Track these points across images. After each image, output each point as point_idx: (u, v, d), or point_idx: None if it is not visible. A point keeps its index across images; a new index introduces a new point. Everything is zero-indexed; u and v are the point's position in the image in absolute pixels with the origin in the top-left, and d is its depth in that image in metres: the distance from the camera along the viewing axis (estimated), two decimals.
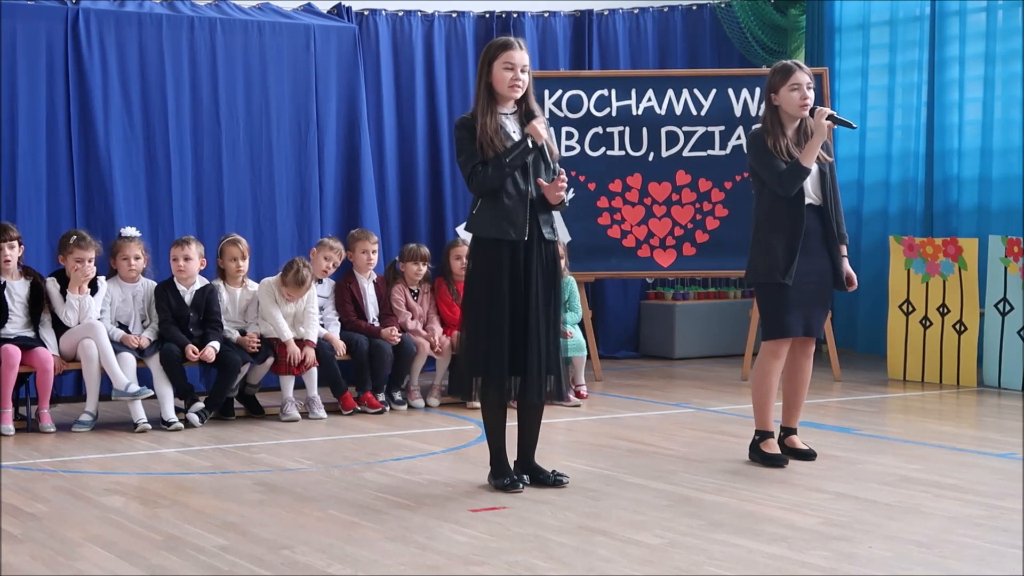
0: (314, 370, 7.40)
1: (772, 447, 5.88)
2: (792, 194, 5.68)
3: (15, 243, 7.02)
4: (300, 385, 7.44)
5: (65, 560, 4.24)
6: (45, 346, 6.96)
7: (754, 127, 5.95)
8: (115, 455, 6.26)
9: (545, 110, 8.60)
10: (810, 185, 5.73)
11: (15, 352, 6.74)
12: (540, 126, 5.16)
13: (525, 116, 5.19)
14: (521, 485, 5.25)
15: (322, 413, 7.33)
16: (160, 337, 7.18)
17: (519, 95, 5.21)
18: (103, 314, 7.11)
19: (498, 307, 5.13)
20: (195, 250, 7.31)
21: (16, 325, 6.94)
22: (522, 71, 5.17)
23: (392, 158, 9.49)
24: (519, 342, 5.15)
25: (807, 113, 5.76)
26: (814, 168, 5.71)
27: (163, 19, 8.29)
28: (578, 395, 7.98)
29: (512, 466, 5.36)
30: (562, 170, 5.21)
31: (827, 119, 5.68)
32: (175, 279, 7.27)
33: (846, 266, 5.87)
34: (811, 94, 5.76)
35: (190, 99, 8.37)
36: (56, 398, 7.80)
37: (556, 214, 5.40)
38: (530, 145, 5.13)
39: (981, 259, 8.34)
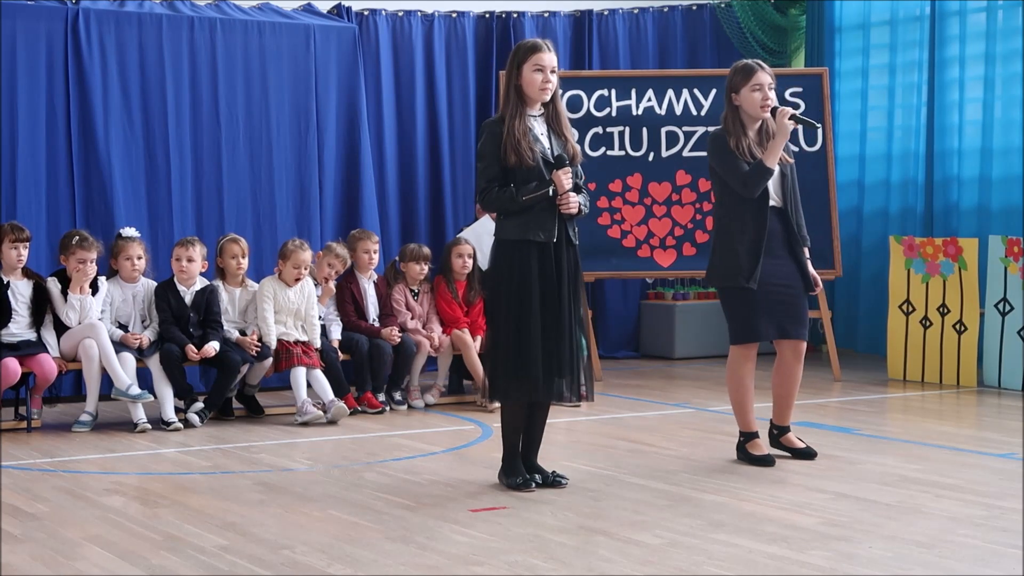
0: (322, 376, 7.36)
1: (758, 448, 5.87)
2: (755, 195, 5.66)
3: (28, 244, 7.04)
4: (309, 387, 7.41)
5: (65, 560, 4.23)
6: (47, 350, 6.95)
7: (714, 128, 5.91)
8: (115, 455, 6.25)
9: None
10: (772, 187, 5.72)
11: (15, 370, 6.71)
12: (564, 177, 5.16)
13: (556, 161, 5.18)
14: (534, 485, 5.26)
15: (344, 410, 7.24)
16: (160, 337, 7.18)
17: (549, 97, 5.23)
18: (103, 314, 7.11)
19: (528, 308, 5.13)
20: (199, 251, 7.30)
21: (20, 325, 6.94)
22: (552, 73, 5.19)
23: (392, 158, 9.49)
24: (551, 343, 5.16)
25: (768, 114, 5.74)
26: (776, 169, 5.69)
27: (163, 19, 8.29)
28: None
29: None
30: (567, 168, 5.21)
31: (789, 119, 5.66)
32: (175, 279, 7.27)
33: (810, 268, 5.86)
34: (772, 95, 5.73)
35: (190, 99, 8.37)
36: (56, 398, 7.81)
37: None
38: (550, 193, 5.15)
39: (981, 259, 8.34)
